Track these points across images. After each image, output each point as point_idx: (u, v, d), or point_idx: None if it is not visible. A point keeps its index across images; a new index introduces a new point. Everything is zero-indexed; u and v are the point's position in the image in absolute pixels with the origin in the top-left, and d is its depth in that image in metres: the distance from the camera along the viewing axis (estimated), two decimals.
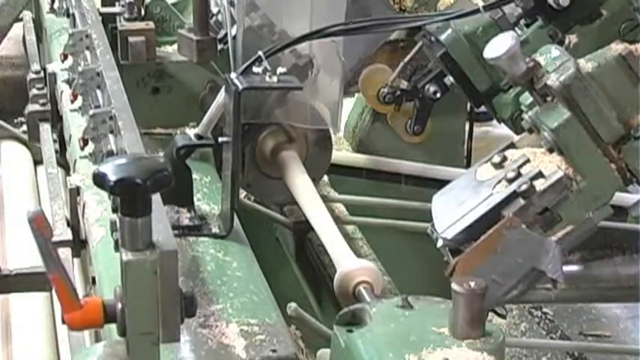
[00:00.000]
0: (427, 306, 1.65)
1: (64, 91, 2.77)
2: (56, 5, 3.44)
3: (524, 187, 1.81)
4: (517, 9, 2.37)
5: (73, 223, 2.45)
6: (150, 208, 1.46)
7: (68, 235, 2.43)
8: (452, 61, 2.32)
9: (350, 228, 2.68)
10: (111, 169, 1.45)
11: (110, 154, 2.19)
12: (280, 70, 2.16)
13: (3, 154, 3.94)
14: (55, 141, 3.03)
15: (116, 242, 1.54)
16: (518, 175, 1.83)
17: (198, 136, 2.29)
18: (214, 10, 2.68)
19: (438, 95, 2.39)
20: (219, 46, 2.64)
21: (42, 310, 2.91)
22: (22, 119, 4.03)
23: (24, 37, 4.01)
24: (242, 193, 3.00)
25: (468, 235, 1.81)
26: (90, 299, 1.54)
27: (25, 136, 3.91)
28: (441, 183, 2.02)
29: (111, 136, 2.24)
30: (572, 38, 2.32)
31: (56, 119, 2.99)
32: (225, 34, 2.53)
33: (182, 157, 2.19)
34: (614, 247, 2.20)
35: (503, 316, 1.89)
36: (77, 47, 2.71)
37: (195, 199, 2.23)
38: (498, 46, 1.86)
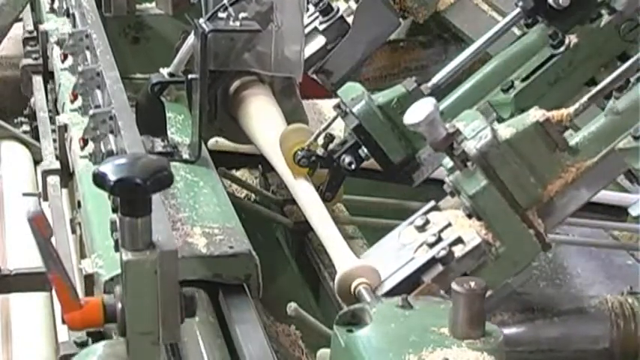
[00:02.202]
0: (427, 306, 1.65)
1: (54, 47, 3.05)
2: (56, 5, 3.44)
3: (442, 252, 1.83)
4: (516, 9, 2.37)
5: (62, 158, 2.70)
6: (150, 208, 1.46)
7: (56, 165, 2.74)
8: (365, 133, 2.29)
9: (350, 228, 2.68)
10: (111, 169, 1.45)
11: (110, 154, 2.19)
12: (242, 15, 2.39)
13: (3, 154, 3.93)
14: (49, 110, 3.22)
15: (116, 242, 1.54)
16: (439, 239, 1.84)
17: (171, 74, 2.55)
18: None
19: (353, 167, 2.36)
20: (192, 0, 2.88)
21: (42, 310, 2.91)
22: (22, 119, 4.04)
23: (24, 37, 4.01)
24: (242, 193, 3.01)
25: (392, 297, 1.81)
26: (90, 299, 1.54)
27: (25, 136, 3.92)
28: (441, 183, 2.02)
29: (111, 136, 2.24)
30: (572, 38, 2.32)
31: (47, 73, 3.33)
32: None
33: (156, 92, 2.51)
34: (536, 309, 2.20)
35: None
36: (77, 47, 2.71)
37: (169, 132, 2.54)
38: (418, 112, 1.85)
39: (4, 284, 2.55)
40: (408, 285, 1.83)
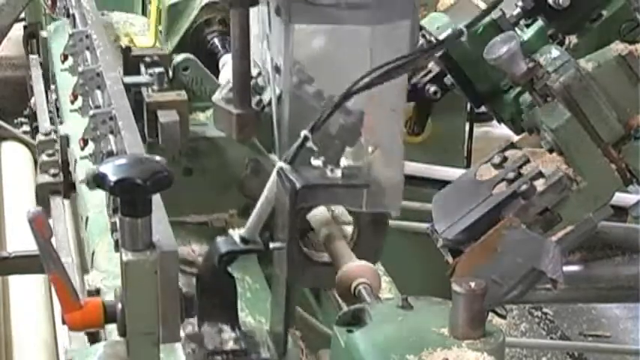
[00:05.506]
0: (427, 306, 1.65)
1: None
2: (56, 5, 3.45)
3: (524, 187, 1.81)
4: (516, 9, 2.37)
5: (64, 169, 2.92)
6: (150, 208, 1.46)
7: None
8: (451, 61, 2.29)
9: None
10: (111, 170, 1.45)
11: (110, 154, 2.19)
12: (344, 162, 1.82)
13: (3, 154, 3.94)
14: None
15: (116, 242, 1.54)
16: (519, 175, 1.83)
17: (244, 240, 1.83)
18: (253, 72, 2.11)
19: (438, 95, 2.35)
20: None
21: (40, 291, 2.94)
22: (22, 119, 4.05)
23: (24, 37, 4.03)
24: None
25: (468, 236, 1.81)
26: (90, 299, 1.54)
27: (26, 137, 3.93)
28: (441, 183, 2.02)
29: (111, 137, 2.24)
30: (572, 38, 2.32)
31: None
32: (260, 100, 2.10)
33: (225, 264, 1.79)
34: (614, 247, 2.21)
35: (504, 316, 1.89)
36: (77, 48, 2.72)
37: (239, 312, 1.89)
38: (498, 47, 1.86)
39: (3, 266, 2.57)
40: (488, 221, 1.81)
